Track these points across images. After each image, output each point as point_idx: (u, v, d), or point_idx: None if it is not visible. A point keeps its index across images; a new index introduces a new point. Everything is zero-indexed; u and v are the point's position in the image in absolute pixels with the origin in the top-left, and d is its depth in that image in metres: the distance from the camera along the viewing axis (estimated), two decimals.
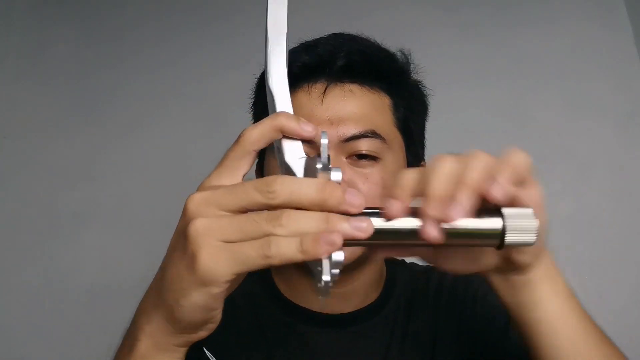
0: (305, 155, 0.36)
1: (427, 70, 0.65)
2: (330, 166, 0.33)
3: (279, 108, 0.37)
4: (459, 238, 0.35)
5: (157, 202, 1.33)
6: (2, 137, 1.40)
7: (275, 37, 0.39)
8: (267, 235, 0.31)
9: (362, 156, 0.54)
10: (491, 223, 0.36)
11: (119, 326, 1.36)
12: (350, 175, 0.53)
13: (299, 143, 0.36)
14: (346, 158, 0.54)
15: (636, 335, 1.21)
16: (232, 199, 0.33)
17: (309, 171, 0.35)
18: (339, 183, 0.32)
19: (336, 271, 0.32)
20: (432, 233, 0.33)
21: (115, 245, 1.32)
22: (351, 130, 0.53)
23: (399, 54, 0.60)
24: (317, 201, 0.32)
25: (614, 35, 1.37)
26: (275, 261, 0.31)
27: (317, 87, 0.55)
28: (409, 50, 0.59)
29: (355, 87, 0.55)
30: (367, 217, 0.33)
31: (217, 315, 0.36)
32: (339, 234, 0.31)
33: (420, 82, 0.62)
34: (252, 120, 0.64)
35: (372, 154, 0.54)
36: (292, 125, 0.35)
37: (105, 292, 1.29)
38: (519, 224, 0.36)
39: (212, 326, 0.37)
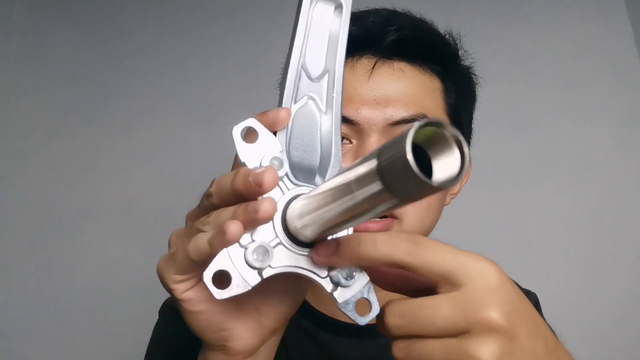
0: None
1: (478, 57, 0.59)
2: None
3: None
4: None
5: (157, 202, 1.33)
6: (2, 137, 1.40)
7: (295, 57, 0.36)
8: (195, 231, 0.32)
9: None
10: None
11: (119, 326, 1.37)
12: None
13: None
14: None
15: (636, 335, 1.22)
16: (196, 213, 0.35)
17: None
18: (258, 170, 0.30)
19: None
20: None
21: (115, 245, 1.32)
22: (400, 112, 0.48)
23: (447, 36, 0.55)
24: (233, 191, 0.31)
25: (614, 36, 1.37)
26: (194, 255, 0.31)
27: (363, 63, 0.49)
28: (459, 33, 0.54)
29: (405, 66, 0.50)
30: (270, 198, 0.30)
31: (229, 335, 0.35)
32: (237, 222, 0.29)
33: (471, 68, 0.57)
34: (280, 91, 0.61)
35: None
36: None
37: (104, 292, 1.29)
38: None
39: (229, 346, 0.35)
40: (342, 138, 0.46)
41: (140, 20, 1.47)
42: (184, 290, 0.33)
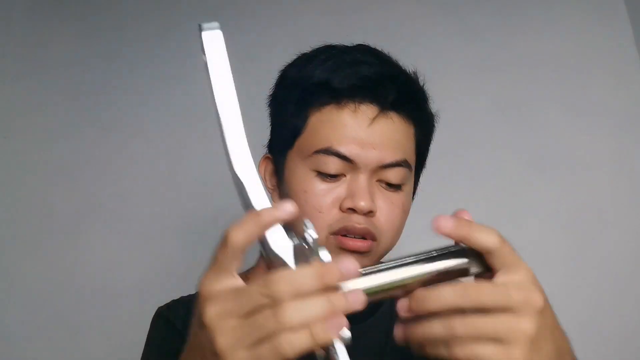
0: (289, 239, 0.37)
1: (430, 79, 0.68)
2: (315, 244, 0.35)
3: (253, 198, 0.38)
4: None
5: (157, 202, 1.33)
6: (2, 137, 1.40)
7: (229, 117, 0.39)
8: (277, 331, 0.33)
9: (389, 184, 0.58)
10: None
11: (119, 326, 1.37)
12: (381, 202, 0.57)
13: (279, 226, 0.37)
14: (376, 181, 0.57)
15: (636, 334, 1.22)
16: (242, 307, 0.35)
17: (300, 257, 0.36)
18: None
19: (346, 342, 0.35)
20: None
21: (115, 245, 1.32)
22: (390, 157, 0.56)
23: (413, 75, 0.62)
24: (318, 287, 0.34)
25: (614, 35, 1.37)
26: (292, 356, 0.33)
27: (364, 111, 0.56)
28: (424, 78, 0.62)
29: (395, 116, 0.58)
30: (358, 290, 0.36)
31: None
32: (342, 315, 0.34)
33: (436, 113, 0.65)
34: (271, 113, 0.64)
35: (400, 182, 0.58)
36: (276, 218, 0.37)
37: (105, 292, 1.29)
38: None
39: None
40: (338, 175, 0.56)
41: (140, 21, 1.46)
42: None
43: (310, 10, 1.45)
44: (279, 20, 1.45)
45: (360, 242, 0.56)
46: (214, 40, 0.40)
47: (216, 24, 0.39)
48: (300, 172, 0.57)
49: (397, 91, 0.57)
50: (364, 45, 0.62)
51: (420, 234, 1.33)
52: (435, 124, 0.65)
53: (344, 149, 0.55)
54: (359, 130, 0.55)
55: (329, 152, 0.55)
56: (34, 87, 1.43)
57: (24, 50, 1.45)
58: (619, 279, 1.25)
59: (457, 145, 1.33)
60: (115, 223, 1.34)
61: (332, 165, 0.55)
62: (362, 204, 0.54)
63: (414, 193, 0.65)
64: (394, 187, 0.58)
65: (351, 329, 0.58)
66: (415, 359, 0.59)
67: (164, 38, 1.45)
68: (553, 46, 1.38)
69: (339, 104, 0.56)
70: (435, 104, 1.44)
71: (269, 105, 0.64)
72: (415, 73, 0.63)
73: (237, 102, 0.38)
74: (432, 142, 0.65)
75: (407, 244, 1.27)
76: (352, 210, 0.55)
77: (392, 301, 0.62)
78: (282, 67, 0.64)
